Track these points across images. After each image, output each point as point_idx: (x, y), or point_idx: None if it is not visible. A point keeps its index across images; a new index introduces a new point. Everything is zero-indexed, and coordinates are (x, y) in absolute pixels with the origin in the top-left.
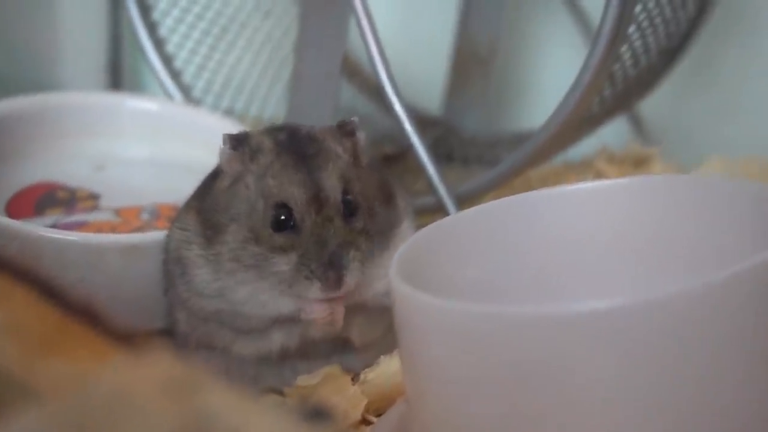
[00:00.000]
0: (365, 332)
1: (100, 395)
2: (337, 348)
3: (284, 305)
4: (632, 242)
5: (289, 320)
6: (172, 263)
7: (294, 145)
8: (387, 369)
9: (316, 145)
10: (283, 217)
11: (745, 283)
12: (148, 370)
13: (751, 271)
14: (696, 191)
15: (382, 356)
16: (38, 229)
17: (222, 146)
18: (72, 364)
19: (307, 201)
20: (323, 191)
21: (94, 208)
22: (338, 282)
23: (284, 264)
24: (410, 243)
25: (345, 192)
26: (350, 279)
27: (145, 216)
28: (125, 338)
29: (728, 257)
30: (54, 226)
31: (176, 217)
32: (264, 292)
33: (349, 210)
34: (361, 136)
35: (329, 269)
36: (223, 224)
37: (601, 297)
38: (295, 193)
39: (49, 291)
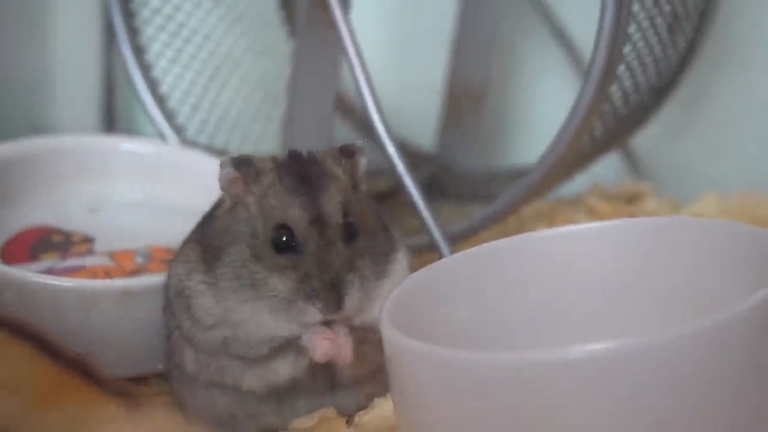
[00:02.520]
0: (360, 364)
1: None
2: (334, 384)
3: (284, 328)
4: (623, 283)
5: (292, 349)
6: (175, 298)
7: (295, 166)
8: (381, 411)
9: (317, 167)
10: (284, 238)
11: (733, 327)
12: (143, 424)
13: (740, 315)
14: (685, 232)
15: (376, 398)
16: (34, 276)
17: (222, 169)
18: (68, 417)
19: (308, 222)
20: (325, 213)
21: (89, 252)
22: (338, 304)
23: (284, 284)
24: (402, 287)
25: (345, 214)
26: (350, 302)
27: (138, 259)
28: (119, 390)
29: (718, 298)
30: (50, 271)
31: (177, 253)
32: (263, 313)
33: (350, 232)
34: (362, 160)
35: (330, 291)
36: (223, 247)
37: (591, 339)
38: (297, 215)
39: (43, 345)
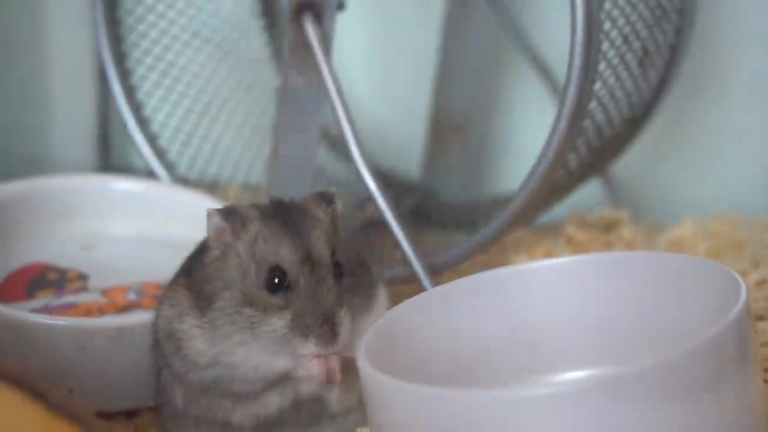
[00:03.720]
0: (347, 393)
1: None
2: (320, 415)
3: (279, 363)
4: (593, 314)
5: (283, 381)
6: (164, 341)
7: (280, 213)
8: None
9: (301, 212)
10: (276, 280)
11: (688, 361)
12: None
13: (692, 351)
14: (647, 266)
15: (359, 429)
16: (29, 316)
17: (209, 220)
18: None
19: (300, 261)
20: (315, 252)
21: (83, 289)
22: (333, 338)
23: (280, 323)
24: (379, 323)
25: (333, 254)
26: (343, 335)
27: (131, 295)
28: None
29: (678, 328)
30: (45, 308)
31: (163, 296)
32: (259, 353)
33: (338, 270)
34: (339, 206)
35: (324, 325)
36: (215, 292)
37: (564, 369)
38: (288, 256)
39: (34, 391)
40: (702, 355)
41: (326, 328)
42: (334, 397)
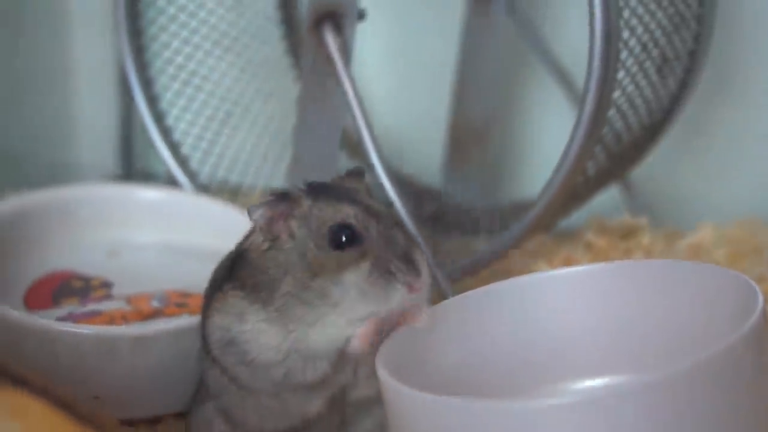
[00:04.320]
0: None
1: None
2: (344, 421)
3: (352, 329)
4: (613, 324)
5: (319, 385)
6: (223, 353)
7: (323, 188)
8: None
9: (340, 186)
10: (344, 237)
11: (704, 372)
12: None
13: (711, 360)
14: (668, 274)
15: None
16: (54, 324)
17: (255, 214)
18: None
19: (364, 212)
20: (373, 205)
21: (107, 296)
22: (418, 274)
23: (361, 270)
24: (397, 333)
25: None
26: (424, 270)
27: (155, 303)
28: None
29: (700, 336)
30: (69, 316)
31: (208, 310)
32: (334, 324)
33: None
34: (369, 179)
35: (407, 263)
36: (276, 279)
37: (582, 378)
38: (350, 211)
39: (61, 402)
40: (717, 365)
41: (409, 266)
42: (362, 376)
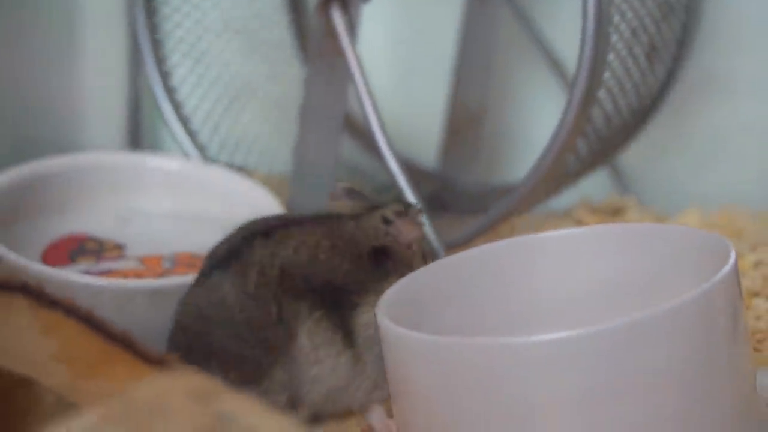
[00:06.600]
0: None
1: (137, 400)
2: None
3: None
4: (597, 285)
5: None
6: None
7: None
8: None
9: None
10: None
11: (677, 317)
12: (177, 381)
13: (683, 306)
14: (650, 237)
15: None
16: (73, 275)
17: (395, 220)
18: (113, 384)
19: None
20: None
21: (120, 257)
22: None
23: None
24: (397, 286)
25: None
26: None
27: (166, 264)
28: (157, 361)
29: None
30: (86, 272)
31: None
32: None
33: None
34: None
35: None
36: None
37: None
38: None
39: (92, 323)
40: (695, 307)
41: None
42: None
